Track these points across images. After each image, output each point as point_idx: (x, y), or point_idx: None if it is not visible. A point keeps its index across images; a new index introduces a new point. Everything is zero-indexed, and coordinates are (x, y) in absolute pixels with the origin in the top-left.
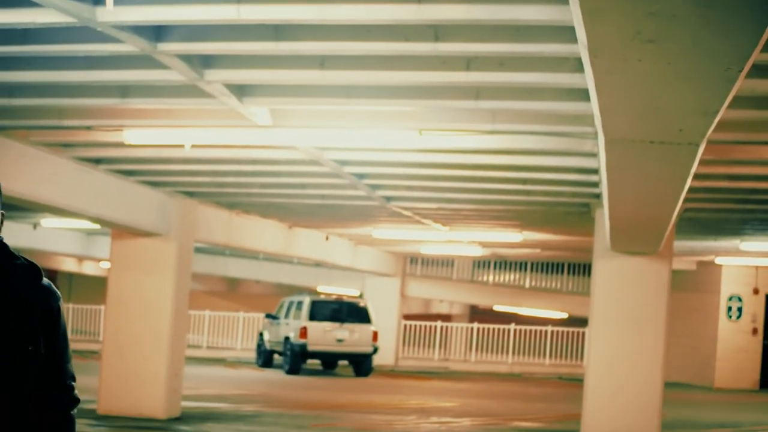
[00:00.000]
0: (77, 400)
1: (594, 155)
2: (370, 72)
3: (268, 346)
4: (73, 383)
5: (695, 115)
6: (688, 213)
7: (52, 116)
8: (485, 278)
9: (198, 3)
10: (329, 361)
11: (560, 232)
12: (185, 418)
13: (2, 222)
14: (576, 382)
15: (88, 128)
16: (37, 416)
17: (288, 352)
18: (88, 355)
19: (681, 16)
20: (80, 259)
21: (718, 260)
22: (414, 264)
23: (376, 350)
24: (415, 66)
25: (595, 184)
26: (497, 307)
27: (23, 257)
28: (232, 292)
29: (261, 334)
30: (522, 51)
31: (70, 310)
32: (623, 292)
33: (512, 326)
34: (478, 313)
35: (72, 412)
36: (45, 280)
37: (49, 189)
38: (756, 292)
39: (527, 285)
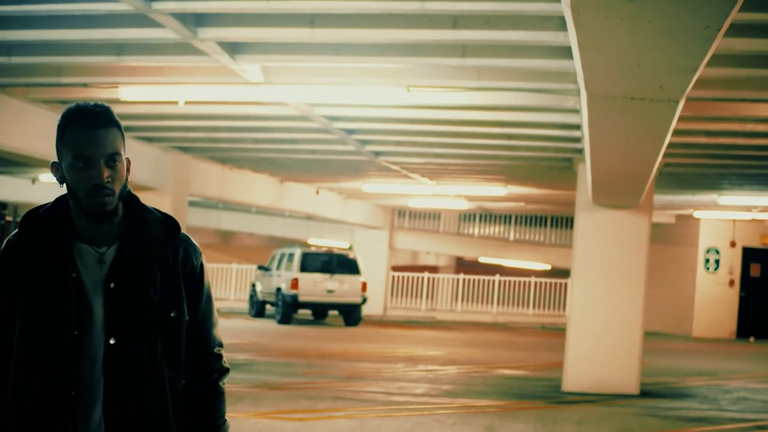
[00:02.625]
0: (226, 370)
1: (576, 111)
2: (359, 30)
3: (260, 296)
4: (220, 350)
5: (675, 73)
6: (668, 168)
7: (50, 74)
8: (471, 231)
9: None
10: (320, 311)
11: (544, 186)
12: None
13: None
14: (558, 331)
15: (85, 85)
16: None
17: (280, 303)
18: None
19: None
20: None
21: (697, 214)
22: (402, 217)
23: (365, 300)
24: (403, 24)
25: (578, 140)
26: (482, 259)
27: (156, 210)
28: (225, 244)
29: (253, 286)
30: (507, 9)
31: None
32: (604, 245)
33: (497, 277)
34: (464, 265)
35: (221, 383)
36: (183, 233)
37: (47, 144)
38: (733, 244)
39: (512, 237)
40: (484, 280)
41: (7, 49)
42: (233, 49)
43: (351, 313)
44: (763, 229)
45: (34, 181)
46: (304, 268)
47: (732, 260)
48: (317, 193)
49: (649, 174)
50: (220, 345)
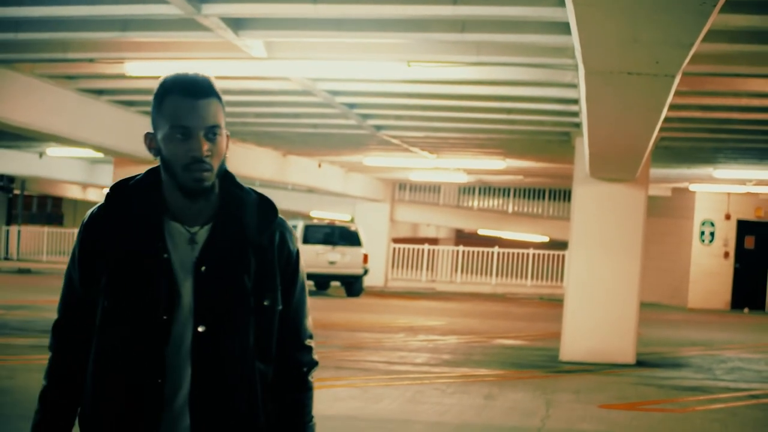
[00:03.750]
0: (316, 363)
1: (574, 86)
2: (361, 6)
3: None
4: (311, 342)
5: (671, 48)
6: (664, 142)
7: (57, 49)
8: (470, 203)
9: None
10: (322, 283)
11: (542, 159)
12: None
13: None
14: (556, 302)
15: (91, 61)
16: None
17: None
18: None
19: None
20: (84, 186)
21: (692, 187)
22: (402, 190)
23: (366, 272)
24: (404, 0)
25: (575, 114)
26: (482, 231)
27: (253, 190)
28: None
29: None
30: None
31: (74, 235)
32: (601, 217)
33: (496, 249)
34: (463, 237)
35: (309, 378)
36: (280, 217)
37: (54, 119)
38: (728, 217)
39: (510, 210)
40: (483, 252)
41: (14, 25)
42: (237, 24)
43: (353, 284)
44: (758, 202)
45: (41, 155)
46: (306, 240)
47: (727, 233)
48: (319, 166)
49: (646, 148)
50: (311, 337)
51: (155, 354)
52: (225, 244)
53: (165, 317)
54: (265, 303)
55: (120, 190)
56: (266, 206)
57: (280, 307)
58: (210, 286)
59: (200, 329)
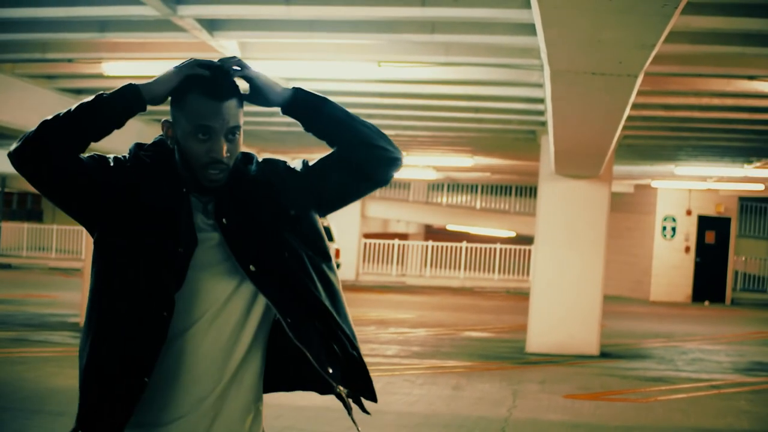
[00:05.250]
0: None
1: (540, 86)
2: (333, 7)
3: None
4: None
5: (634, 49)
6: (627, 140)
7: (36, 50)
8: (439, 200)
9: None
10: None
11: (509, 157)
12: None
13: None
14: (522, 295)
15: (70, 61)
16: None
17: None
18: (72, 272)
19: None
20: None
21: (654, 183)
22: None
23: (338, 266)
24: (375, 2)
25: (541, 113)
26: (450, 227)
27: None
28: None
29: None
30: None
31: (54, 231)
32: (566, 213)
33: (464, 244)
34: (432, 232)
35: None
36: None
37: (34, 118)
38: (689, 213)
39: (478, 206)
40: (451, 247)
41: None
42: (211, 25)
43: None
44: (718, 199)
45: None
46: None
47: (688, 228)
48: None
49: (609, 145)
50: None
51: (164, 289)
52: (237, 195)
53: (181, 250)
54: (292, 213)
55: (139, 150)
56: (247, 158)
57: (313, 211)
58: (237, 231)
59: (252, 268)
